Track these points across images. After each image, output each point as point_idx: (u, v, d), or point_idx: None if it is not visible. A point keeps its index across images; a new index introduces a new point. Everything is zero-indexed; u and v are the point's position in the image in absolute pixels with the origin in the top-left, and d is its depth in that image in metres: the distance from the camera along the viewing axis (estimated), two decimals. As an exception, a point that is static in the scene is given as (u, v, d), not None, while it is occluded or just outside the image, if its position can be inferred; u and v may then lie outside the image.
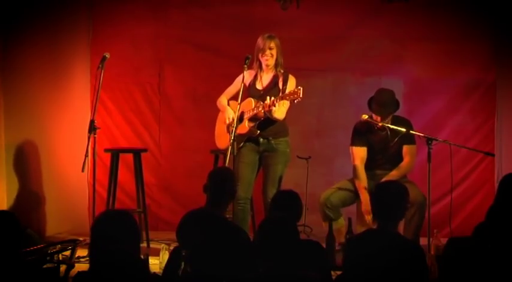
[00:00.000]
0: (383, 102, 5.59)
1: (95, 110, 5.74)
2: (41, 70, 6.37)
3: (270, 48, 5.47)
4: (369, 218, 5.47)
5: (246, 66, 5.45)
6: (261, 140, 5.50)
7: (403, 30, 6.86)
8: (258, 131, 5.45)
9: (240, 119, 5.47)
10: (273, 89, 5.48)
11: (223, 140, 5.62)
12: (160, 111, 7.19)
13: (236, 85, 5.61)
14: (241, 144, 5.49)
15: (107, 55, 5.73)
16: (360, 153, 5.70)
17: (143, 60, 7.18)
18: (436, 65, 6.84)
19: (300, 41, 6.92)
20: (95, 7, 7.16)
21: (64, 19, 6.72)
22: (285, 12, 6.65)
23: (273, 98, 5.27)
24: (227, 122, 5.58)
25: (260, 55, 5.50)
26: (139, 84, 7.21)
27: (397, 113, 5.70)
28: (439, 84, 6.83)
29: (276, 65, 5.53)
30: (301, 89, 5.15)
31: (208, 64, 7.06)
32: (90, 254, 3.00)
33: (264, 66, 5.54)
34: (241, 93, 5.37)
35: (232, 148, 5.23)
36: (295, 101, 5.21)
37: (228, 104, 5.67)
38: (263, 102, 5.38)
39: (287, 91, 5.35)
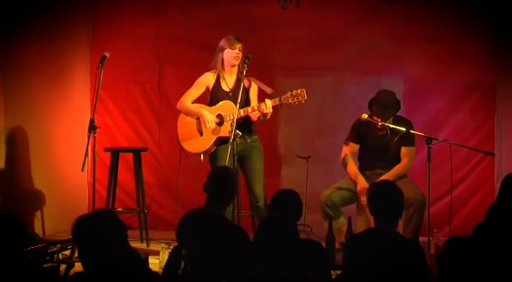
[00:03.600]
0: (384, 104, 5.58)
1: (94, 109, 5.73)
2: (41, 69, 6.37)
3: (239, 49, 5.53)
4: (363, 199, 5.49)
5: (246, 66, 5.45)
6: (238, 139, 5.48)
7: (404, 30, 6.85)
8: (240, 133, 5.46)
9: (220, 123, 5.50)
10: (240, 90, 5.41)
11: (196, 143, 5.62)
12: (160, 111, 7.19)
13: (198, 88, 5.66)
14: (215, 147, 5.53)
15: (107, 54, 5.72)
16: (350, 148, 5.73)
17: (143, 60, 7.18)
18: (436, 65, 6.83)
19: (300, 41, 6.92)
20: (95, 7, 7.16)
21: (64, 19, 6.72)
22: (285, 11, 6.63)
23: (275, 99, 5.28)
24: (207, 126, 5.53)
25: (229, 53, 5.54)
26: (139, 84, 7.21)
27: (398, 113, 5.70)
28: (439, 84, 6.82)
29: (238, 67, 5.57)
30: (305, 90, 5.16)
31: (209, 64, 7.04)
32: (81, 263, 2.94)
33: (229, 66, 5.57)
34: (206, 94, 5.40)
35: (233, 148, 5.23)
36: (296, 103, 5.21)
37: None
38: (236, 103, 5.36)
39: (254, 92, 5.47)
